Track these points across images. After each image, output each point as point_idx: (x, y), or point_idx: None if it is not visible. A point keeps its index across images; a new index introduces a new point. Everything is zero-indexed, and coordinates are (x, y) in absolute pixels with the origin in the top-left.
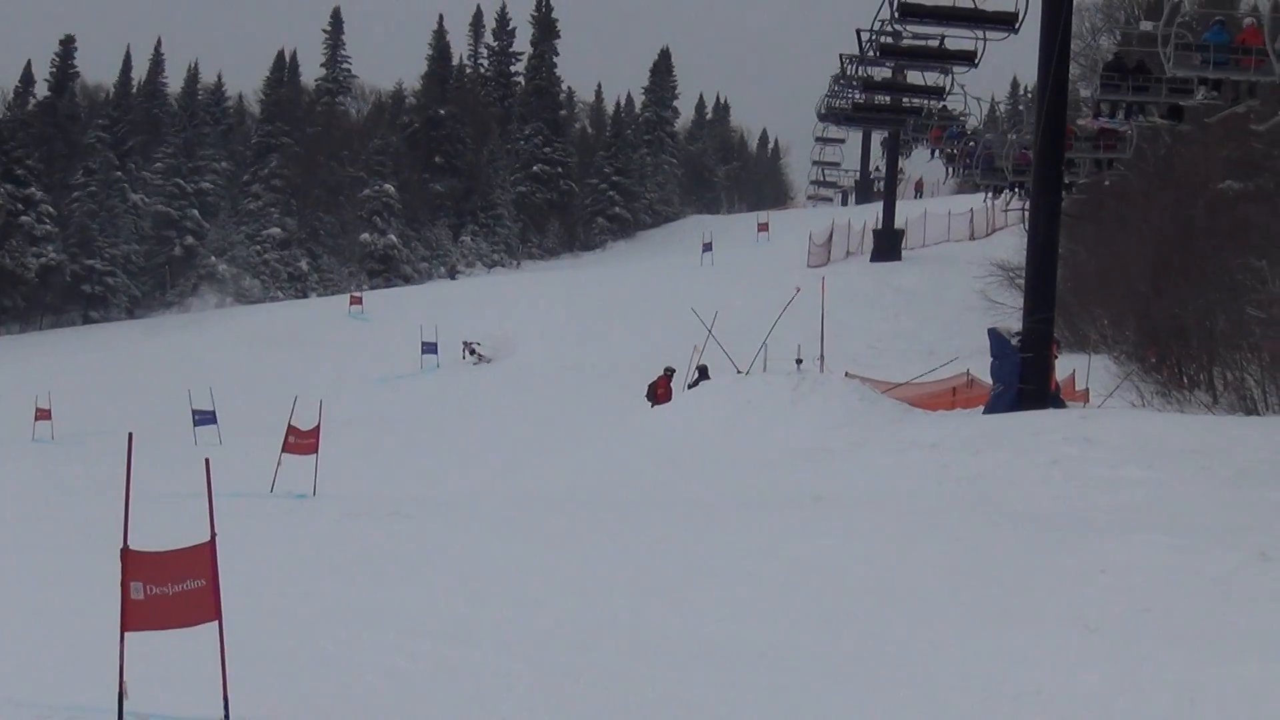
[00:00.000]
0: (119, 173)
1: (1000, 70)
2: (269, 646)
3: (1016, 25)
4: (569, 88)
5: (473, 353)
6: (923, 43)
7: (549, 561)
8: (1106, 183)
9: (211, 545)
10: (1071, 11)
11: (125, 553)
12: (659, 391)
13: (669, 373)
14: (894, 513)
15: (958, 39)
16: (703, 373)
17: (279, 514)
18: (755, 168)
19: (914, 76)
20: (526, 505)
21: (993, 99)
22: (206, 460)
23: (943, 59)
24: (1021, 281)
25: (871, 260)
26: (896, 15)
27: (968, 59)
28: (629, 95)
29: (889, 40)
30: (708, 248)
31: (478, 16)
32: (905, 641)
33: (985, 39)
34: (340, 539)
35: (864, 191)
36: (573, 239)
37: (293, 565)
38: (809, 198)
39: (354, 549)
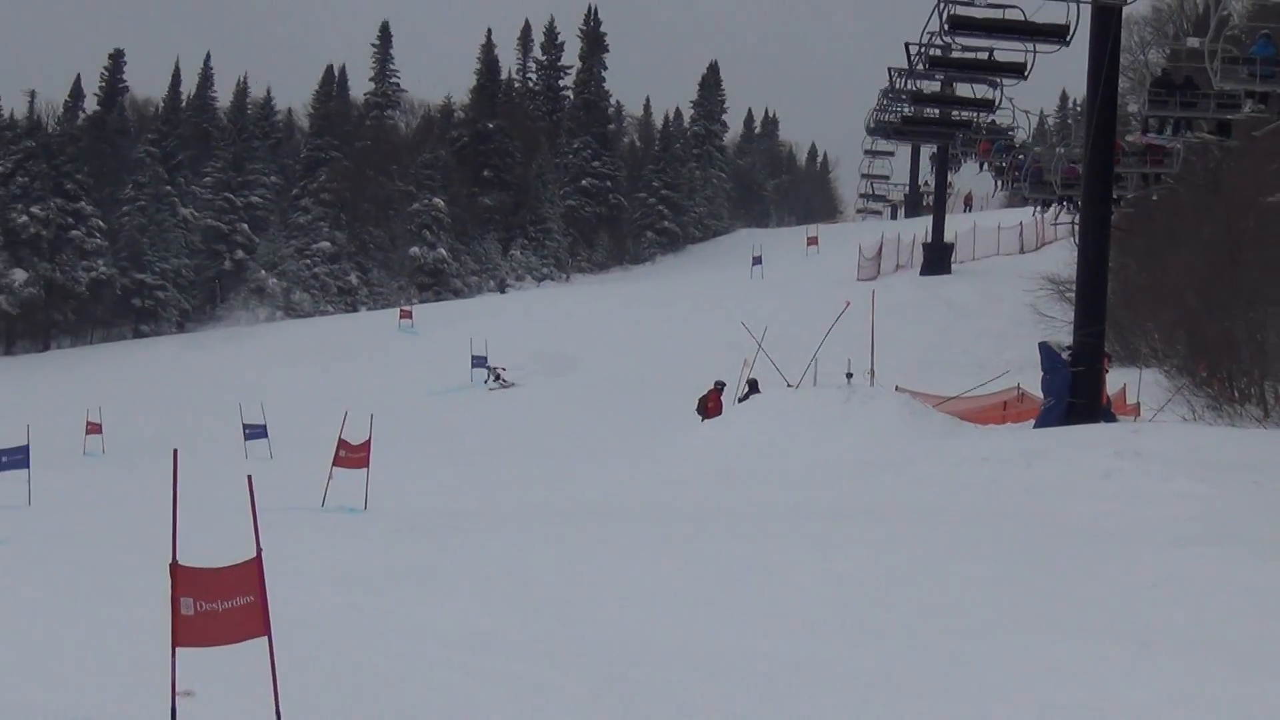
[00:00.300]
0: (169, 187)
1: (1049, 83)
2: (320, 661)
3: (1068, 38)
4: (617, 102)
5: (497, 378)
6: (972, 55)
7: (598, 574)
8: (1154, 197)
9: (258, 561)
10: (1120, 25)
11: (174, 568)
12: (709, 405)
13: (719, 386)
14: (944, 526)
15: (1007, 51)
16: (753, 386)
17: (330, 528)
18: (804, 181)
19: (962, 90)
20: (576, 518)
21: (1041, 113)
22: (249, 476)
23: (992, 71)
24: (1072, 295)
25: (921, 274)
26: (947, 28)
27: (1017, 71)
28: (677, 109)
29: (938, 52)
30: (757, 261)
31: (526, 30)
32: (955, 655)
33: (1035, 51)
34: (391, 553)
35: (913, 205)
36: (622, 253)
37: (344, 579)
38: (858, 211)
39: (405, 563)
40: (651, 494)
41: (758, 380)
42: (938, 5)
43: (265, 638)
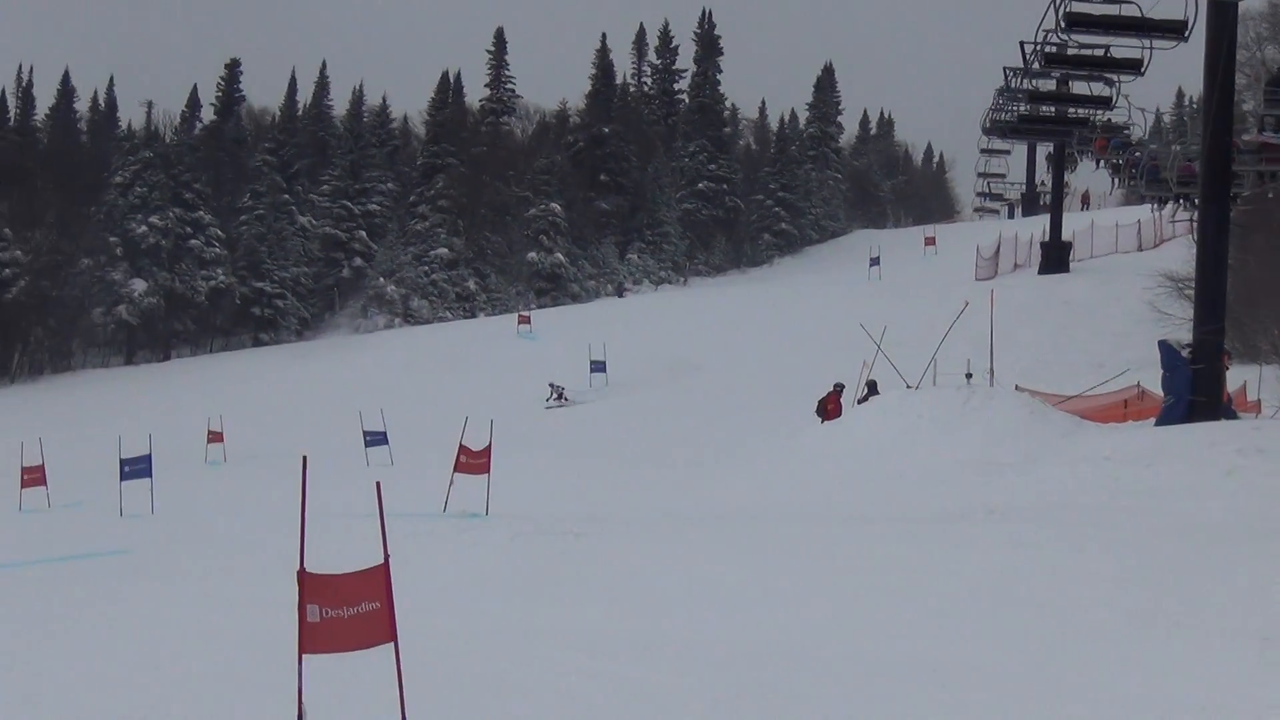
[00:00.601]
0: (286, 195)
1: (1165, 80)
2: (445, 667)
3: (1186, 33)
4: (733, 104)
5: (560, 396)
6: (1088, 52)
7: (722, 578)
8: (1270, 195)
9: (385, 568)
10: (1236, 21)
11: (302, 575)
12: (829, 407)
13: (838, 388)
14: (1067, 525)
15: (1124, 48)
16: (872, 388)
17: (452, 534)
18: (921, 182)
19: (1079, 88)
20: (697, 522)
21: (1158, 110)
22: (378, 483)
23: (1109, 68)
24: (1191, 292)
25: (1039, 273)
26: (1063, 25)
27: (1134, 68)
28: (793, 111)
29: (1054, 50)
30: (875, 262)
31: (641, 35)
32: (1079, 654)
33: (1153, 48)
34: (514, 558)
35: (1030, 204)
36: (739, 255)
37: (467, 585)
38: (975, 210)
39: (527, 568)
40: (771, 497)
41: (877, 381)
42: (1053, 2)
43: (391, 644)
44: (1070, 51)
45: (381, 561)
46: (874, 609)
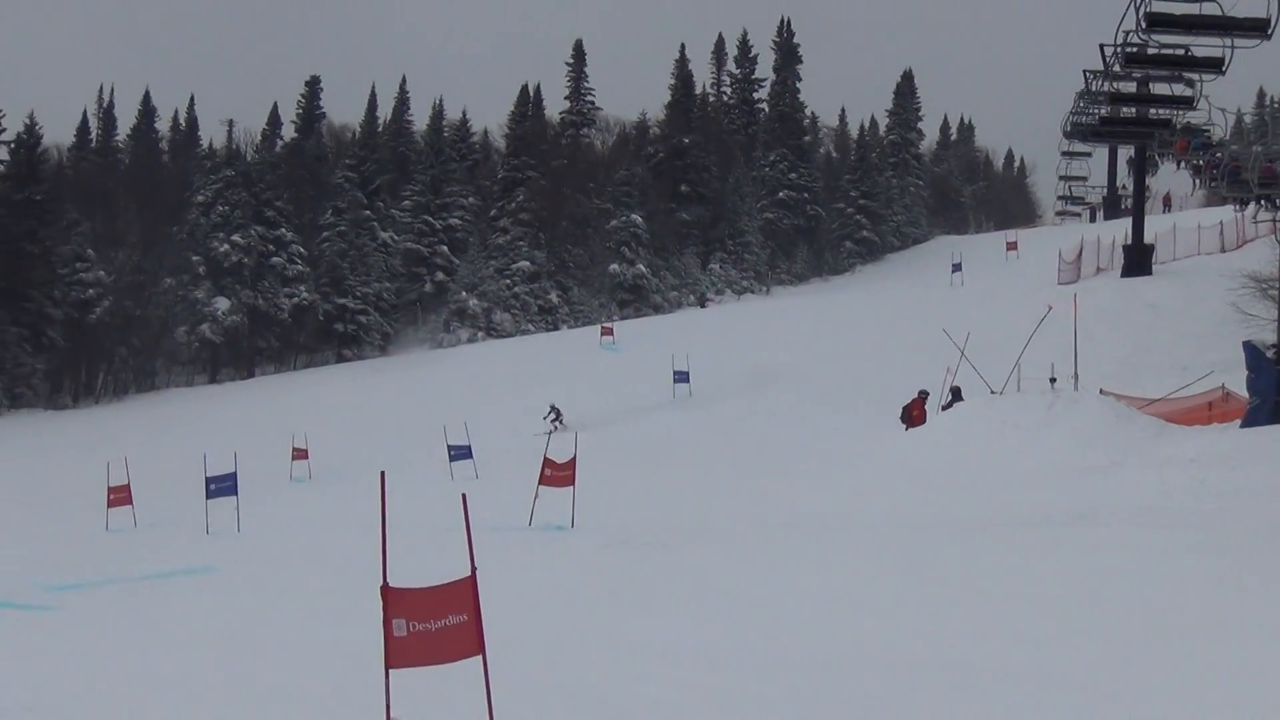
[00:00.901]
0: (367, 211)
1: (1245, 80)
2: (532, 679)
3: (1269, 31)
4: (812, 113)
5: (557, 418)
6: (1169, 51)
7: (805, 586)
8: None
9: (473, 580)
10: None
11: (385, 590)
12: (914, 414)
13: (923, 395)
14: (1154, 529)
15: (1204, 47)
16: (956, 394)
17: (538, 546)
18: (1001, 187)
19: (1159, 90)
20: (782, 531)
21: (1238, 110)
22: (464, 495)
23: (1190, 66)
24: (1275, 293)
25: (1122, 276)
26: (1144, 25)
27: (1215, 66)
28: (872, 118)
29: (1134, 49)
30: (957, 268)
31: (719, 44)
32: (1169, 659)
33: (1234, 46)
34: (600, 570)
35: (1112, 207)
36: (821, 264)
37: (554, 597)
38: (1057, 214)
39: (613, 580)
40: (857, 504)
41: (961, 388)
42: (1134, 2)
43: (480, 657)
44: (1150, 51)
45: (469, 574)
46: (962, 615)
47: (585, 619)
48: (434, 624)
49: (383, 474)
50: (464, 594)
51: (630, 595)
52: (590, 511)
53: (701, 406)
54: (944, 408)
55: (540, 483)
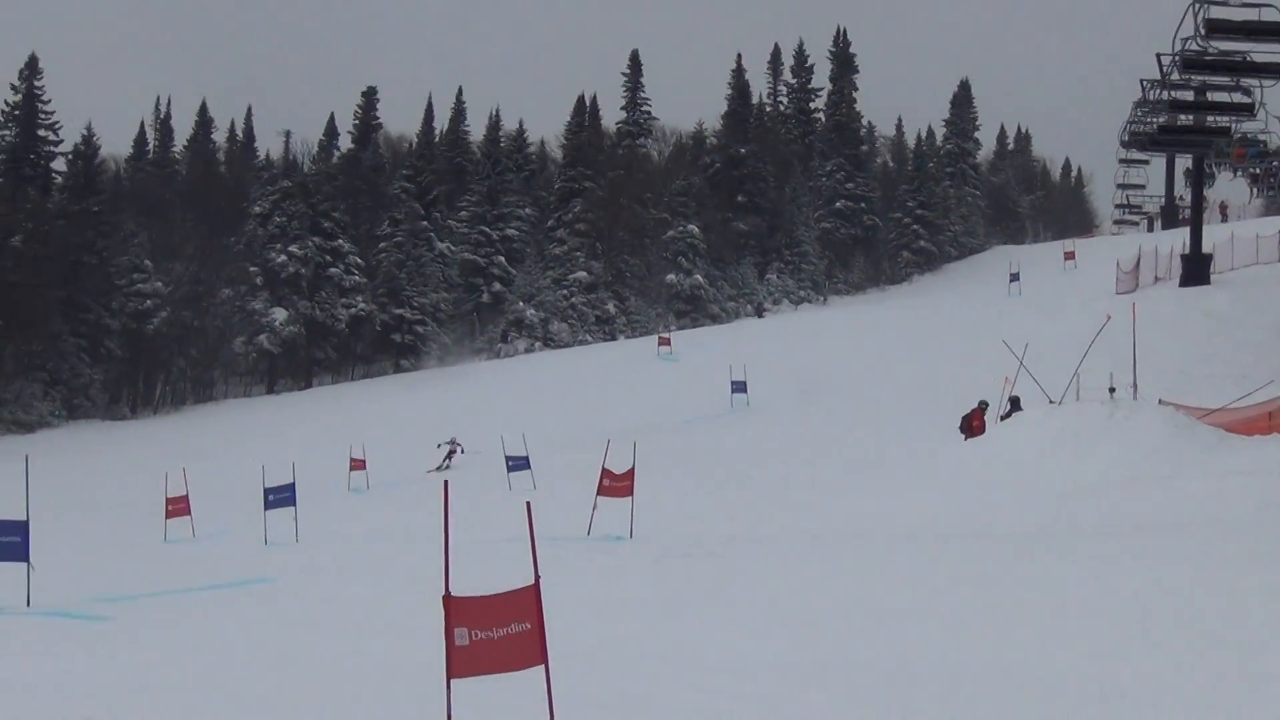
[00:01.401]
0: (424, 222)
1: None
2: (594, 689)
3: None
4: (869, 122)
5: (450, 454)
6: (1227, 58)
7: (867, 597)
8: None
9: (536, 588)
10: None
11: (447, 599)
12: (974, 424)
13: (983, 405)
14: (1214, 540)
15: (1264, 53)
16: (1015, 404)
17: (598, 556)
18: (1059, 196)
19: (1217, 98)
20: (840, 541)
21: None
22: (528, 504)
23: (1248, 72)
24: None
25: (1180, 285)
26: (1203, 32)
27: (1275, 72)
28: (929, 128)
29: (1193, 55)
30: (1015, 278)
31: (776, 54)
32: (1228, 670)
33: None
34: (659, 580)
35: (1170, 217)
36: (878, 273)
37: (614, 607)
38: (1115, 223)
39: (672, 590)
40: (916, 515)
41: (1020, 398)
42: (1191, 6)
43: (542, 666)
44: (1208, 58)
45: (532, 582)
46: (1022, 625)
47: (645, 629)
48: (496, 632)
49: (446, 483)
50: (527, 602)
51: (689, 605)
52: (648, 522)
53: (759, 416)
54: (1002, 418)
55: (599, 493)
